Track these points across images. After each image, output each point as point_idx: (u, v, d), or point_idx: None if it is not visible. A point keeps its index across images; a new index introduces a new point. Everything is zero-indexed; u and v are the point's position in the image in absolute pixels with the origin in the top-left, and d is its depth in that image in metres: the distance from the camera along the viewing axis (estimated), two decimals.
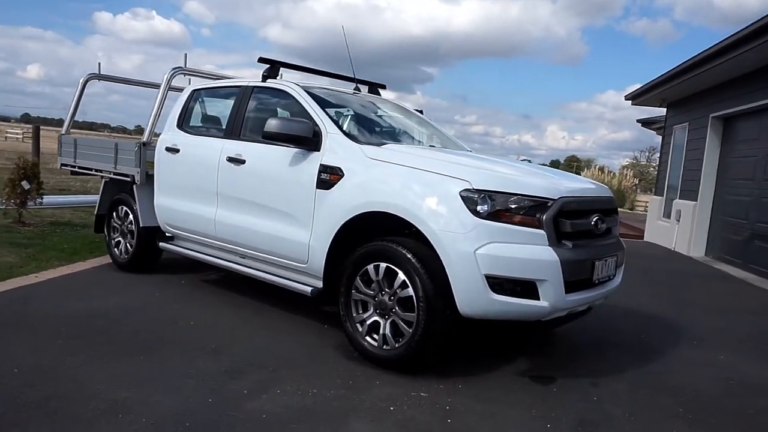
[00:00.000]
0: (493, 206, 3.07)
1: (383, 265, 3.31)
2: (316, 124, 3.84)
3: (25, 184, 7.08)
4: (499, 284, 3.03)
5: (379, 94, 5.27)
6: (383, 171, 3.47)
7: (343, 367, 3.33)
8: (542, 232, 3.10)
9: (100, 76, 6.55)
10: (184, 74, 5.56)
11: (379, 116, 4.77)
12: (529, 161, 5.07)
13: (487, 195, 3.08)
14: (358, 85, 5.02)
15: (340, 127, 3.89)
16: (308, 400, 2.86)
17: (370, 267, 3.37)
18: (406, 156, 3.54)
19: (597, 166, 32.61)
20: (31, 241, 6.35)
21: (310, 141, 3.76)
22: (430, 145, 4.70)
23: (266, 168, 4.07)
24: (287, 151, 3.88)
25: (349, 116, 4.41)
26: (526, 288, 3.07)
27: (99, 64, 6.50)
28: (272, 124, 3.74)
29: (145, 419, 2.54)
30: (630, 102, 12.94)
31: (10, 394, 2.68)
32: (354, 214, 3.45)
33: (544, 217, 3.10)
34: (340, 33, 4.78)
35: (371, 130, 4.48)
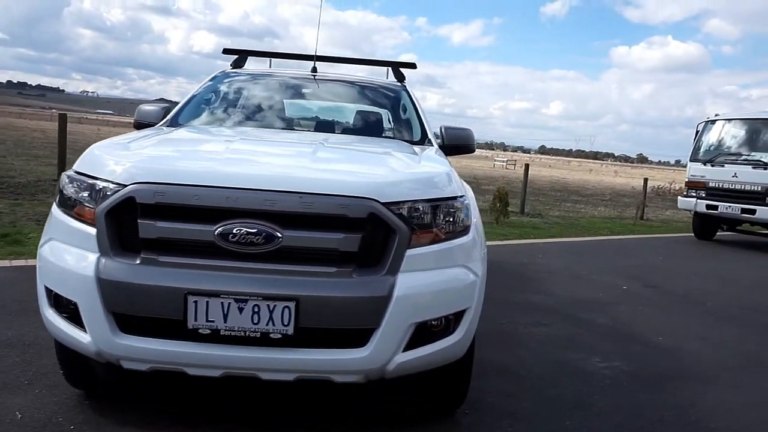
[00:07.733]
0: (64, 190, 2.37)
1: None
2: None
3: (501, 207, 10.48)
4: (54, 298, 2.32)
5: (403, 77, 4.55)
6: None
7: None
8: (93, 231, 2.17)
9: None
10: None
11: (289, 98, 4.30)
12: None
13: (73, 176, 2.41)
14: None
15: (182, 109, 3.66)
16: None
17: None
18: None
19: None
20: None
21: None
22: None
23: None
24: None
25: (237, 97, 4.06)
26: (72, 311, 2.19)
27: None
28: (137, 111, 3.69)
29: None
30: None
31: None
32: None
33: (96, 211, 2.18)
34: None
35: (234, 111, 3.93)
